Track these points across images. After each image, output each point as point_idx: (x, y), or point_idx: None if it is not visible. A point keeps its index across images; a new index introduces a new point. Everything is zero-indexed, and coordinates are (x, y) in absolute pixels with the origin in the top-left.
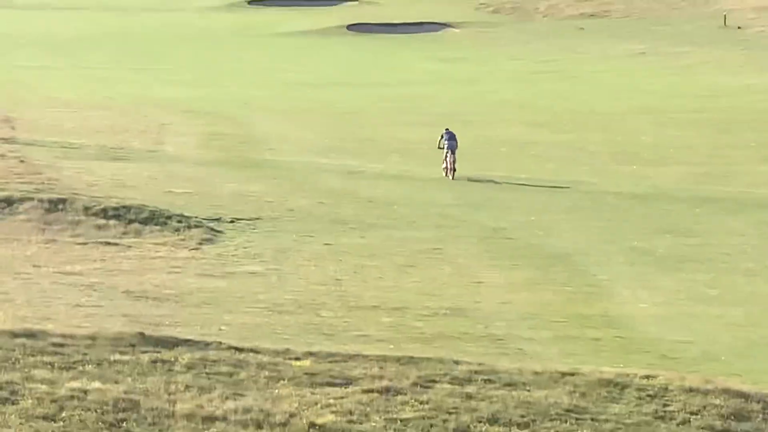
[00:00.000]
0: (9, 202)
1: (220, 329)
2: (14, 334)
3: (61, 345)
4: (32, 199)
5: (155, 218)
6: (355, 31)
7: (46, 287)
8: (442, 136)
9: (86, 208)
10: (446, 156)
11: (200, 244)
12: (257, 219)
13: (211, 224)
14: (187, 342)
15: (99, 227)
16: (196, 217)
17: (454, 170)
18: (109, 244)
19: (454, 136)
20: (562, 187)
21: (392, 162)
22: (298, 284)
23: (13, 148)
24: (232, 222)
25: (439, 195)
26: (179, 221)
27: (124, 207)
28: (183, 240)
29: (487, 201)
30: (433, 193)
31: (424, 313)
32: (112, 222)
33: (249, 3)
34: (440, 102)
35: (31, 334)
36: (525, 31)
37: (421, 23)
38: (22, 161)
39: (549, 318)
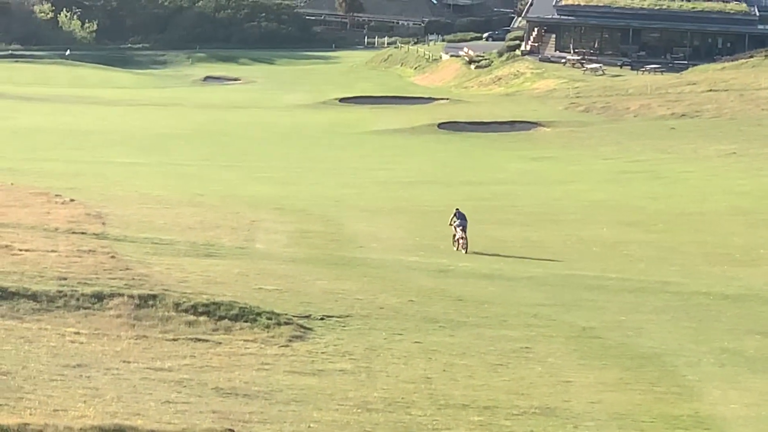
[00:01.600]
0: (99, 297)
1: (309, 426)
2: (104, 430)
3: None
4: (122, 294)
5: (245, 315)
6: (446, 129)
7: (136, 383)
8: (454, 215)
9: (176, 305)
10: (456, 233)
11: (290, 341)
12: (347, 317)
13: (301, 321)
14: None
15: (189, 323)
16: (286, 314)
17: (467, 246)
18: (199, 340)
19: (465, 216)
20: (652, 287)
21: (483, 260)
22: (387, 382)
23: (103, 243)
24: (322, 319)
25: (529, 294)
26: (269, 318)
27: (214, 303)
28: (273, 337)
29: (577, 300)
30: (523, 292)
31: (514, 413)
32: (202, 318)
33: (340, 101)
34: (531, 201)
35: (120, 430)
36: (616, 131)
37: (512, 122)
38: (112, 257)
39: (639, 418)
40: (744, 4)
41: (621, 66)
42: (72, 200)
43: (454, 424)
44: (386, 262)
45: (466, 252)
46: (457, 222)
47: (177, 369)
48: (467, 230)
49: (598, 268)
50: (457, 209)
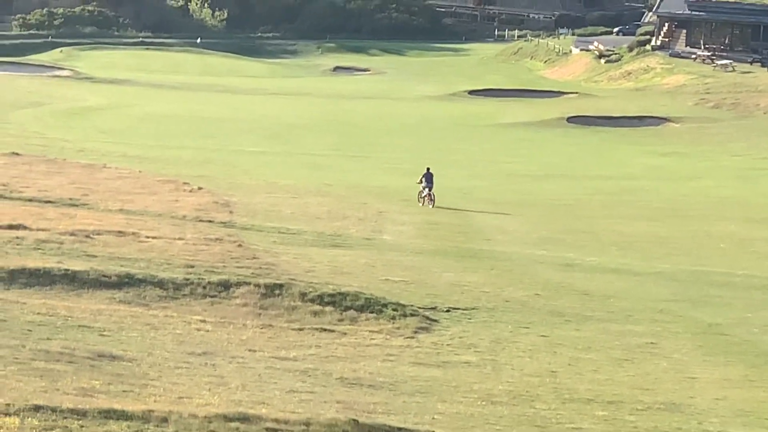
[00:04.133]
0: (226, 285)
1: (433, 418)
2: (228, 418)
3: (275, 430)
4: (249, 283)
5: (371, 306)
6: (575, 123)
7: (261, 372)
8: (423, 176)
9: (302, 294)
10: (422, 192)
11: (415, 332)
12: (473, 309)
13: (427, 313)
14: (400, 430)
15: (315, 313)
16: (411, 306)
17: (433, 201)
18: (324, 330)
19: (432, 176)
20: None
21: (610, 255)
22: (512, 375)
23: (231, 232)
24: (447, 311)
25: (656, 289)
26: (395, 309)
27: (340, 294)
28: (398, 328)
29: (704, 297)
30: (650, 288)
31: (639, 408)
32: (328, 308)
33: (469, 93)
34: (659, 196)
35: (245, 418)
36: (745, 127)
37: (641, 117)
38: (239, 245)
39: (763, 415)
40: None
41: (751, 62)
42: (200, 188)
43: (578, 418)
44: (513, 255)
45: (432, 207)
46: (424, 183)
47: (302, 359)
48: (432, 188)
49: (725, 264)
50: (427, 168)
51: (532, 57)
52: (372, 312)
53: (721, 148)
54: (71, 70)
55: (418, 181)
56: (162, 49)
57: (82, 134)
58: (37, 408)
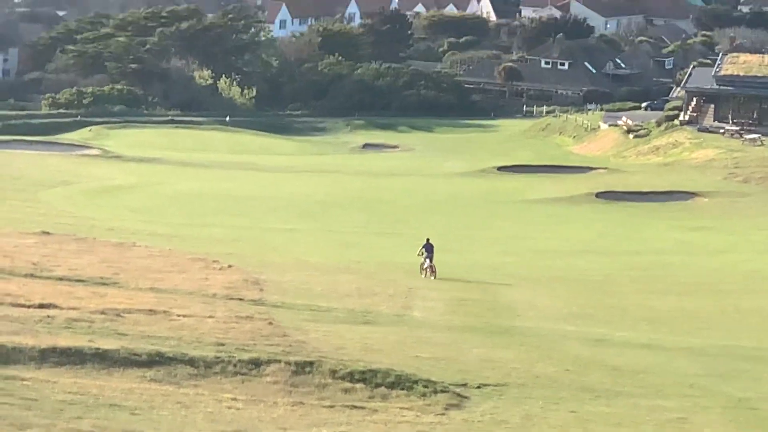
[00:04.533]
0: (256, 363)
1: None
2: None
3: None
4: (279, 361)
5: (402, 382)
6: (603, 198)
7: None
8: (423, 246)
9: (333, 372)
10: (424, 263)
11: (446, 409)
12: (504, 385)
13: (458, 389)
14: None
15: (346, 390)
16: (442, 382)
17: (435, 273)
18: (355, 407)
19: (432, 247)
20: None
21: (640, 330)
22: None
23: (261, 309)
24: (478, 388)
25: (686, 364)
26: (425, 386)
27: (370, 371)
28: (429, 405)
29: (734, 371)
30: (680, 363)
31: None
32: (358, 385)
33: (498, 169)
34: (689, 271)
35: None
36: None
37: (670, 192)
38: (270, 323)
39: None
40: None
41: None
42: (230, 266)
43: None
44: (543, 331)
45: (434, 278)
46: (426, 253)
47: None
48: (433, 259)
49: (755, 338)
50: (427, 239)
51: (560, 132)
52: (403, 389)
53: (750, 222)
54: (100, 148)
55: (419, 252)
56: (191, 127)
57: (112, 213)
58: None
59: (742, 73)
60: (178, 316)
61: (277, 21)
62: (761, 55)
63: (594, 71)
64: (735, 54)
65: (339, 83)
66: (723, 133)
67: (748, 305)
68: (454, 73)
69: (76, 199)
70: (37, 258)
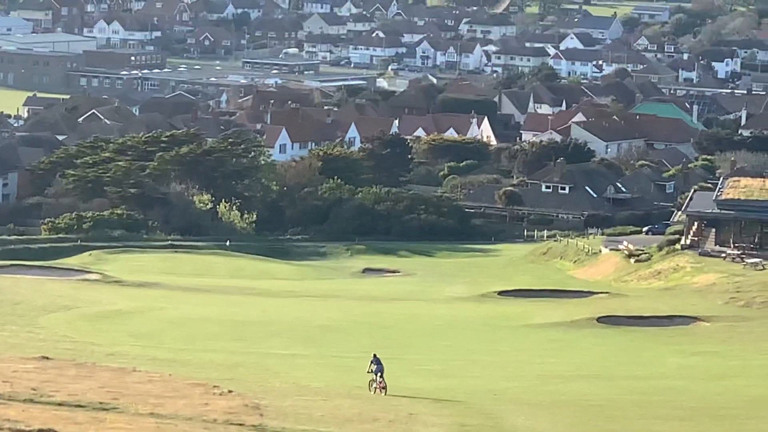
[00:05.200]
0: None
1: None
2: None
3: None
4: None
5: None
6: (605, 323)
7: None
8: (371, 362)
9: None
10: (375, 378)
11: None
12: None
13: None
14: None
15: None
16: None
17: (384, 388)
18: None
19: (380, 361)
20: None
21: None
22: None
23: None
24: None
25: None
26: None
27: None
28: None
29: None
30: None
31: None
32: None
33: (499, 294)
34: (691, 396)
35: None
36: None
37: (672, 317)
38: None
39: None
40: None
41: None
42: (230, 391)
43: None
44: None
45: (385, 394)
46: (375, 368)
47: None
48: (384, 374)
49: None
50: (374, 354)
51: (561, 257)
52: None
53: (752, 346)
54: (100, 273)
55: (368, 369)
56: (191, 252)
57: (112, 338)
58: None
59: (743, 197)
60: None
61: (277, 145)
62: (762, 178)
63: (595, 195)
64: (736, 178)
65: (339, 207)
66: (724, 258)
67: (750, 430)
68: (455, 197)
69: (76, 324)
70: (36, 383)
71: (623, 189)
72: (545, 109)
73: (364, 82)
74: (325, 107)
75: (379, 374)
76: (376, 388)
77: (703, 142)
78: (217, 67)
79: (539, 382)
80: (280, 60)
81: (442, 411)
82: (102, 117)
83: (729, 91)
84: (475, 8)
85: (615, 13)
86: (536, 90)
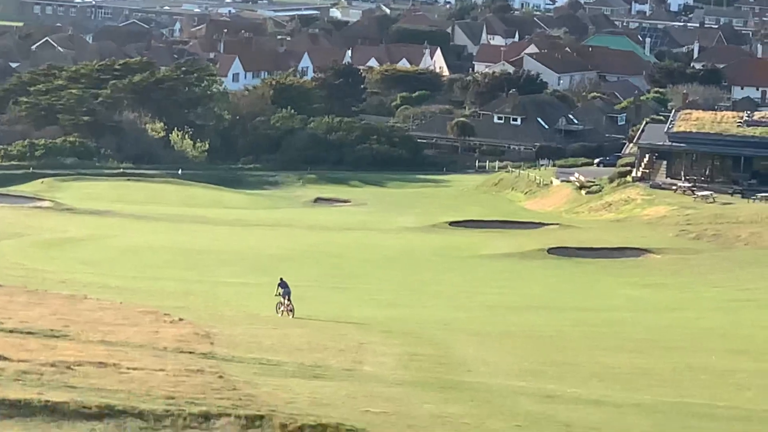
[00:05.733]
0: (206, 417)
1: None
2: None
3: None
4: (229, 414)
5: None
6: (556, 254)
7: None
8: (278, 285)
9: (283, 426)
10: (283, 301)
11: None
12: None
13: None
14: None
15: None
16: None
17: (292, 311)
18: None
19: (287, 284)
20: (760, 416)
21: (592, 386)
22: None
23: (211, 363)
24: None
25: (637, 421)
26: None
27: (320, 425)
28: None
29: (685, 428)
30: (631, 419)
31: None
32: None
33: (450, 224)
34: (640, 327)
35: None
36: (726, 259)
37: (622, 249)
38: (220, 377)
39: None
40: None
41: (732, 194)
42: (181, 319)
43: None
44: (494, 387)
45: (292, 317)
46: (281, 291)
47: None
48: (291, 297)
49: (706, 395)
50: (281, 278)
51: (512, 188)
52: None
53: (701, 279)
54: (52, 201)
55: (276, 293)
56: (143, 180)
57: (63, 265)
58: None
59: (694, 130)
60: (129, 369)
61: (230, 74)
62: (714, 112)
63: (547, 127)
64: (688, 111)
65: (291, 137)
66: (675, 190)
67: (699, 363)
68: (407, 127)
69: (27, 251)
70: None
71: (575, 121)
72: (498, 41)
73: (318, 11)
74: (279, 37)
75: (286, 297)
76: (283, 310)
77: (655, 75)
78: None
79: (489, 312)
80: None
81: (392, 340)
82: (55, 45)
83: (681, 24)
84: None
85: None
86: (489, 21)
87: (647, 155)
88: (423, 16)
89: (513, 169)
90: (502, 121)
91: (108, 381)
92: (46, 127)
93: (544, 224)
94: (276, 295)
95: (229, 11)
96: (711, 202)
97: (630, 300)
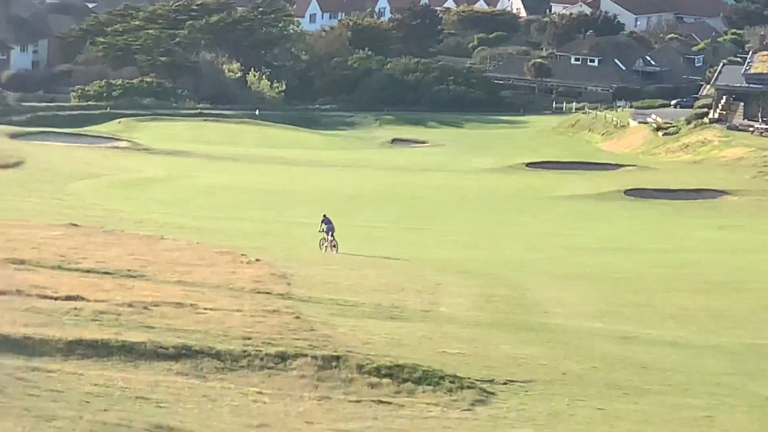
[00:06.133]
0: (283, 357)
1: None
2: None
3: None
4: (306, 355)
5: (428, 378)
6: (633, 196)
7: None
8: (321, 221)
9: (360, 366)
10: (327, 237)
11: (473, 405)
12: (530, 381)
13: (484, 386)
14: None
15: (372, 385)
16: (468, 378)
17: (336, 246)
18: (381, 402)
19: (331, 221)
20: None
21: (668, 328)
22: None
23: (288, 303)
24: (505, 384)
25: (713, 363)
26: (452, 381)
27: (397, 366)
28: (455, 401)
29: (761, 370)
30: (707, 361)
31: None
32: (385, 380)
33: (527, 166)
34: (717, 269)
35: None
36: None
37: (699, 190)
38: (297, 317)
39: None
40: None
41: None
42: (257, 260)
43: None
44: (570, 328)
45: (336, 252)
46: (325, 227)
47: (360, 431)
48: (335, 233)
49: None
50: (324, 215)
51: (589, 129)
52: (429, 384)
53: None
54: (129, 141)
55: (320, 229)
56: (220, 121)
57: (140, 205)
58: None
59: None
60: (205, 309)
61: (306, 15)
62: None
63: (624, 68)
64: (765, 52)
65: (368, 78)
66: (752, 132)
67: None
68: (484, 68)
69: (104, 191)
70: (64, 250)
71: (652, 62)
72: None
73: None
74: None
75: (329, 233)
76: (326, 246)
77: (732, 17)
78: None
79: (566, 254)
80: None
81: (468, 282)
82: None
83: None
84: None
85: None
86: None
87: (724, 97)
88: None
89: (590, 111)
90: (579, 63)
91: (185, 321)
92: (122, 68)
93: (621, 165)
94: (320, 231)
95: None
96: None
97: (706, 242)
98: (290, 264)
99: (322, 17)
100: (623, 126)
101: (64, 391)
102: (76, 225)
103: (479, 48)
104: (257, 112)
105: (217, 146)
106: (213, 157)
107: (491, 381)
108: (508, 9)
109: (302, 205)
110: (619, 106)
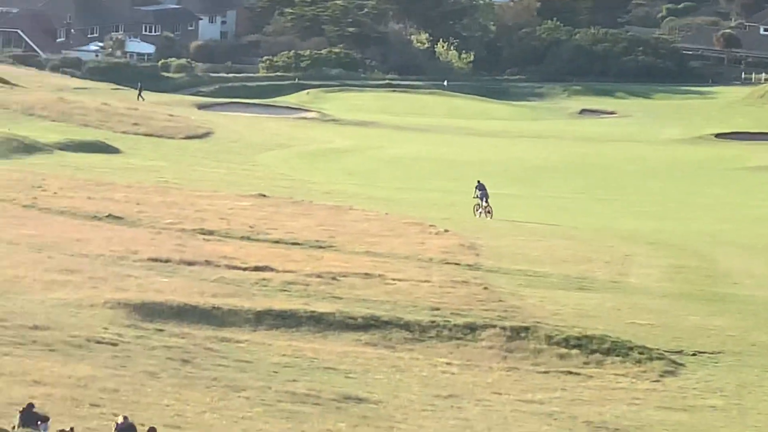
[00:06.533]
0: (472, 328)
1: None
2: None
3: None
4: (494, 326)
5: (617, 349)
6: None
7: (507, 415)
8: (476, 188)
9: (548, 337)
10: (481, 203)
11: (661, 376)
12: (719, 353)
13: (673, 357)
14: None
15: (561, 356)
16: (657, 349)
17: (490, 212)
18: (570, 373)
19: (485, 186)
20: None
21: None
22: (758, 420)
23: (477, 274)
24: (694, 355)
25: None
26: (641, 353)
27: (586, 337)
28: (644, 372)
29: None
30: None
31: None
32: (573, 351)
33: (716, 136)
34: None
35: None
36: None
37: None
38: (485, 288)
39: None
40: None
41: None
42: (446, 231)
43: None
44: (760, 299)
45: (491, 218)
46: (479, 193)
47: (548, 402)
48: (489, 199)
49: None
50: (478, 181)
51: None
52: (618, 355)
53: None
54: (317, 111)
55: (474, 195)
56: (408, 91)
57: (329, 176)
58: None
59: None
60: (394, 280)
61: None
62: None
63: None
64: None
65: (556, 48)
66: None
67: None
68: (673, 39)
69: (292, 162)
70: (253, 221)
71: None
72: None
73: None
74: None
75: (483, 199)
76: (480, 212)
77: None
78: None
79: (755, 225)
80: None
81: (657, 252)
82: None
83: None
84: None
85: None
86: None
87: None
88: None
89: None
90: None
91: (373, 292)
92: (311, 38)
93: None
94: (474, 197)
95: None
96: None
97: None
98: (479, 235)
99: None
100: None
101: (252, 362)
102: (264, 196)
103: (668, 18)
104: (445, 83)
105: (404, 117)
106: (401, 127)
107: (680, 352)
108: None
109: (491, 175)
110: None
